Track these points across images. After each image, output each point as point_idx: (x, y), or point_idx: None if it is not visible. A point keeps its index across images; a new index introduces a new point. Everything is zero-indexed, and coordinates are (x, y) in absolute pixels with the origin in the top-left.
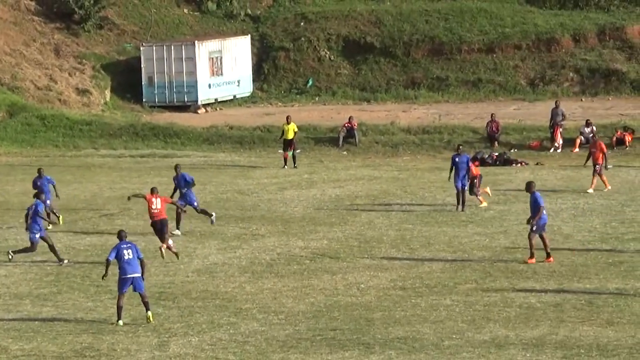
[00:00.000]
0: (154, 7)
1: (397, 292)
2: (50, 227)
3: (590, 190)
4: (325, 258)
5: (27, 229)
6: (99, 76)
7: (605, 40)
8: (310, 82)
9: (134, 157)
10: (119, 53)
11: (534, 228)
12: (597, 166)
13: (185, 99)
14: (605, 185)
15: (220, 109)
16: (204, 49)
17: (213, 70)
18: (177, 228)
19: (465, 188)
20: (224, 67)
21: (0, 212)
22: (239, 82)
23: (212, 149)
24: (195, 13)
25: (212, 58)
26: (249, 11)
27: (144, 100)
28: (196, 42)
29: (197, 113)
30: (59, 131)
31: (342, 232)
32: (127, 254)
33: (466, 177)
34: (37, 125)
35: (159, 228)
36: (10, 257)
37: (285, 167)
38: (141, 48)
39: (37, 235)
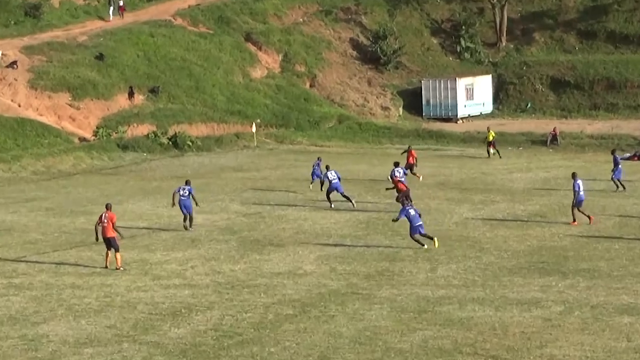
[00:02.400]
0: (430, 56)
1: (583, 239)
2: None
3: None
4: (537, 217)
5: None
6: (395, 98)
7: None
8: (529, 105)
9: (416, 150)
10: (408, 84)
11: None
12: None
13: (449, 114)
14: None
15: (472, 120)
16: (461, 83)
17: (467, 96)
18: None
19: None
20: (475, 94)
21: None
22: (484, 103)
23: (466, 146)
24: (456, 60)
25: (467, 88)
26: (490, 59)
27: (423, 114)
28: (457, 78)
29: (457, 123)
30: (369, 133)
31: (548, 200)
32: (413, 212)
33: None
34: (356, 129)
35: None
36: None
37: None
38: (422, 81)
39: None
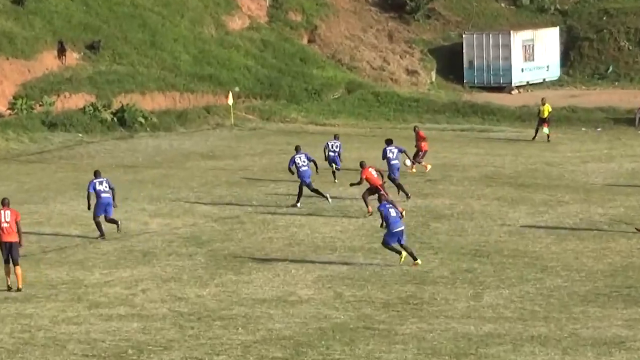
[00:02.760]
0: (475, 0)
1: None
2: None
3: None
4: (621, 224)
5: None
6: (426, 59)
7: None
8: (611, 69)
9: (455, 130)
10: (443, 39)
11: None
12: None
13: (501, 81)
14: None
15: (531, 90)
16: (518, 38)
17: (525, 56)
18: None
19: None
20: (535, 53)
21: (338, 174)
22: (548, 67)
23: (524, 126)
24: (511, 7)
25: (525, 46)
26: (558, 6)
27: (464, 81)
28: (511, 31)
29: (511, 94)
30: (390, 106)
31: (638, 202)
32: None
33: None
34: (372, 100)
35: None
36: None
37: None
38: (463, 36)
39: None
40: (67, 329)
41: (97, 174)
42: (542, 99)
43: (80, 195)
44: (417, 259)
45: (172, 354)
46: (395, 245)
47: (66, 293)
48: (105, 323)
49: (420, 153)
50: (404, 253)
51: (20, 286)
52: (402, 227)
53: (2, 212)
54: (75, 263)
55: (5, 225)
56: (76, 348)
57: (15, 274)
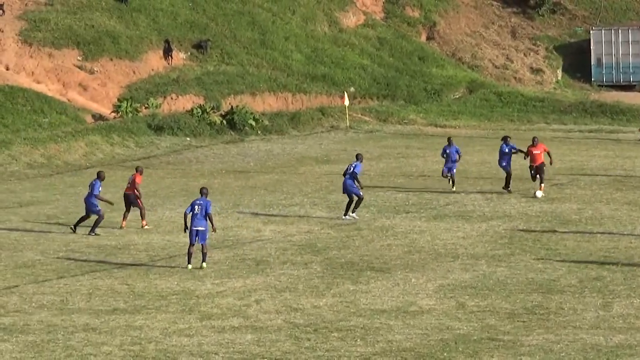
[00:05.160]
0: None
1: None
2: None
3: None
4: None
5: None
6: (552, 57)
7: None
8: None
9: (582, 132)
10: (570, 36)
11: None
12: None
13: (631, 79)
14: None
15: None
16: None
17: None
18: None
19: None
20: None
21: (460, 179)
22: None
23: None
24: None
25: None
26: None
27: (592, 79)
28: None
29: None
30: (514, 107)
31: None
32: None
33: None
34: (494, 100)
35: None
36: None
37: None
38: (591, 31)
39: None
40: (178, 341)
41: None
42: None
43: (190, 201)
44: None
45: None
46: None
47: (177, 304)
48: (217, 335)
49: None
50: None
51: None
52: None
53: None
54: (185, 273)
55: None
56: None
57: None
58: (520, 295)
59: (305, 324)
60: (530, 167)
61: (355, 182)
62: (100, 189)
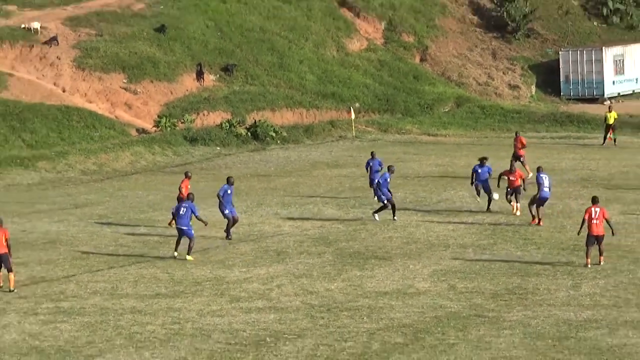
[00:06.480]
0: (570, 20)
1: None
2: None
3: None
4: None
5: None
6: (527, 74)
7: None
8: None
9: (553, 138)
10: (542, 56)
11: None
12: None
13: (594, 93)
14: None
15: (622, 101)
16: (609, 53)
17: (616, 70)
18: None
19: None
20: (626, 67)
21: (449, 179)
22: (637, 79)
23: (616, 133)
24: (603, 25)
25: (616, 60)
26: None
27: (561, 93)
28: (603, 47)
29: (604, 104)
30: (495, 118)
31: None
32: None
33: None
34: (478, 113)
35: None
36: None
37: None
38: (560, 52)
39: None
40: (211, 321)
41: (229, 180)
42: (609, 107)
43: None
44: None
45: (305, 341)
46: None
47: (210, 289)
48: (245, 315)
49: (521, 158)
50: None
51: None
52: None
53: None
54: (217, 262)
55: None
56: (220, 337)
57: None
58: (502, 278)
59: (319, 304)
60: (507, 190)
61: (383, 189)
62: (229, 192)
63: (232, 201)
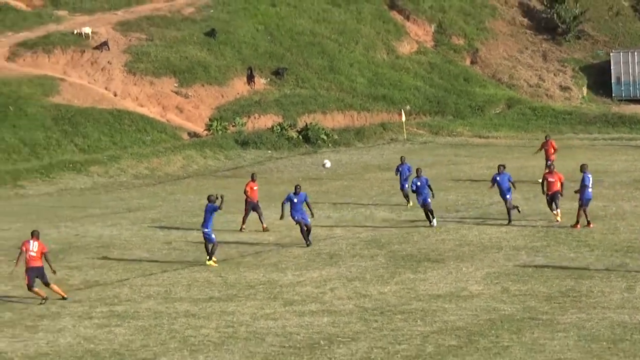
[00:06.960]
0: (620, 21)
1: None
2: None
3: None
4: None
5: None
6: (578, 76)
7: None
8: None
9: (605, 140)
10: (593, 58)
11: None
12: None
13: None
14: None
15: None
16: None
17: None
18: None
19: None
20: None
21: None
22: None
23: None
24: None
25: None
26: None
27: (613, 95)
28: None
29: None
30: (546, 119)
31: None
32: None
33: None
34: (529, 114)
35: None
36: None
37: None
38: (611, 54)
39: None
40: (265, 324)
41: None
42: None
43: (271, 205)
44: None
45: (359, 345)
46: None
47: (263, 292)
48: (298, 318)
49: (548, 162)
50: None
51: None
52: None
53: (31, 242)
54: (270, 265)
55: (32, 254)
56: (274, 340)
57: (53, 290)
58: (555, 281)
59: (372, 307)
60: (545, 194)
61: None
62: (295, 201)
63: (300, 209)
